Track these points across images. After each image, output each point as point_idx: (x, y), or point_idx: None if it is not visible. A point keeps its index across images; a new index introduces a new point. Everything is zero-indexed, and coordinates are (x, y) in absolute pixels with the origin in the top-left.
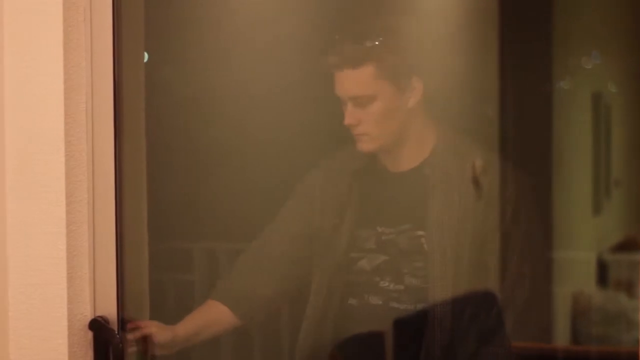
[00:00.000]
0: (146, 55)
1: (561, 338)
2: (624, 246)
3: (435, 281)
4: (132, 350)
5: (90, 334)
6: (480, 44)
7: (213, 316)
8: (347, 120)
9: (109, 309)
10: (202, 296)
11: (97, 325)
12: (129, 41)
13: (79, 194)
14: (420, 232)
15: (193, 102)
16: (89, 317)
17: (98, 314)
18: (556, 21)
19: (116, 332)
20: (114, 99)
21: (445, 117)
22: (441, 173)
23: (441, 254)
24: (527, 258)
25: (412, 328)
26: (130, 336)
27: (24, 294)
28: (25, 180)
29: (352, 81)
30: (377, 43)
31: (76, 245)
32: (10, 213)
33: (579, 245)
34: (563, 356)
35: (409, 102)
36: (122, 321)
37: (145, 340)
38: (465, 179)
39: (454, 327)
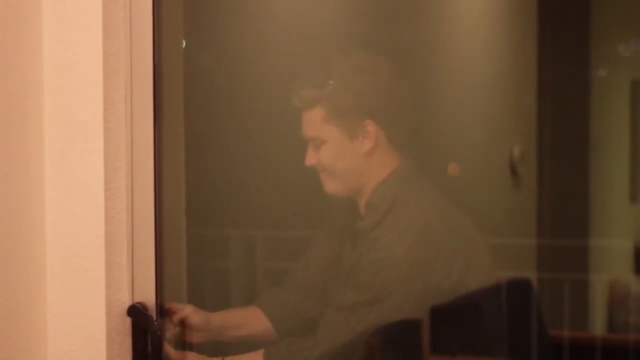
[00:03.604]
0: (184, 42)
1: (598, 326)
2: None
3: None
4: (168, 332)
5: (128, 321)
6: (518, 33)
7: (250, 318)
8: (306, 162)
9: (148, 296)
10: (239, 283)
11: (136, 312)
12: (168, 27)
13: (117, 181)
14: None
15: (232, 88)
16: (127, 303)
17: (136, 300)
18: (594, 8)
19: (155, 319)
20: (153, 85)
21: (483, 106)
22: (375, 220)
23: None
24: None
25: (448, 316)
26: (166, 318)
27: (62, 280)
28: (64, 167)
29: (306, 123)
30: (329, 85)
31: (114, 232)
32: (48, 199)
33: (616, 233)
34: (599, 345)
35: (363, 147)
36: (161, 308)
37: (180, 323)
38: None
39: (490, 315)
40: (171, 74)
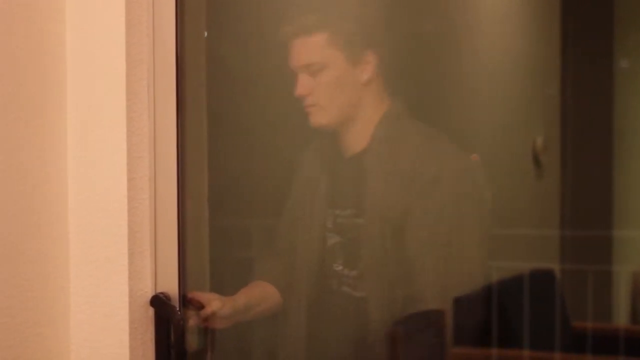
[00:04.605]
0: (206, 32)
1: (621, 318)
2: None
3: (371, 269)
4: (192, 322)
5: (151, 311)
6: (542, 24)
7: (263, 292)
8: (298, 91)
9: (170, 286)
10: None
11: (159, 302)
12: (191, 17)
13: (140, 171)
14: (359, 219)
15: (254, 77)
16: (150, 293)
17: (159, 290)
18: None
19: (177, 309)
20: (176, 75)
21: (506, 97)
22: (375, 160)
23: (376, 241)
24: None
25: (471, 306)
26: (192, 309)
27: (85, 270)
28: (87, 157)
29: (305, 48)
30: (332, 12)
31: (137, 222)
32: (71, 189)
33: (639, 224)
34: (622, 336)
35: (361, 76)
36: (184, 298)
37: (211, 315)
38: (403, 163)
39: (512, 306)
40: (194, 64)
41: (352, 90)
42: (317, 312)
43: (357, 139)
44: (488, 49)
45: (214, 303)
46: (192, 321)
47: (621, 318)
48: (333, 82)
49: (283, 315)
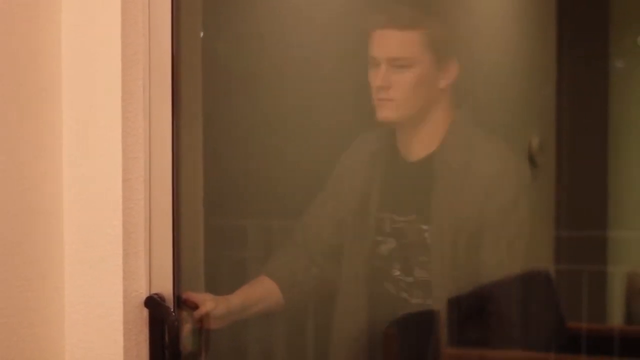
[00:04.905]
0: (202, 32)
1: (616, 318)
2: None
3: (438, 276)
4: (186, 324)
5: (145, 312)
6: (537, 25)
7: (263, 291)
8: (379, 82)
9: (165, 287)
10: (256, 273)
11: (153, 303)
12: (187, 17)
13: (135, 171)
14: (424, 225)
15: (250, 78)
16: (144, 294)
17: (154, 291)
18: (613, 0)
19: (172, 310)
20: (171, 75)
21: (502, 97)
22: (447, 167)
23: (444, 248)
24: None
25: (466, 307)
26: (185, 310)
27: (79, 271)
28: (82, 157)
29: (397, 41)
30: (428, 12)
31: (132, 222)
32: (66, 189)
33: (635, 225)
34: (617, 337)
35: (441, 82)
36: (178, 299)
37: (204, 316)
38: (474, 172)
39: (508, 307)
40: (189, 64)
41: (429, 93)
42: (368, 314)
43: (424, 143)
44: (482, 50)
45: (207, 303)
46: (187, 322)
47: (616, 319)
48: (416, 81)
49: (331, 312)
